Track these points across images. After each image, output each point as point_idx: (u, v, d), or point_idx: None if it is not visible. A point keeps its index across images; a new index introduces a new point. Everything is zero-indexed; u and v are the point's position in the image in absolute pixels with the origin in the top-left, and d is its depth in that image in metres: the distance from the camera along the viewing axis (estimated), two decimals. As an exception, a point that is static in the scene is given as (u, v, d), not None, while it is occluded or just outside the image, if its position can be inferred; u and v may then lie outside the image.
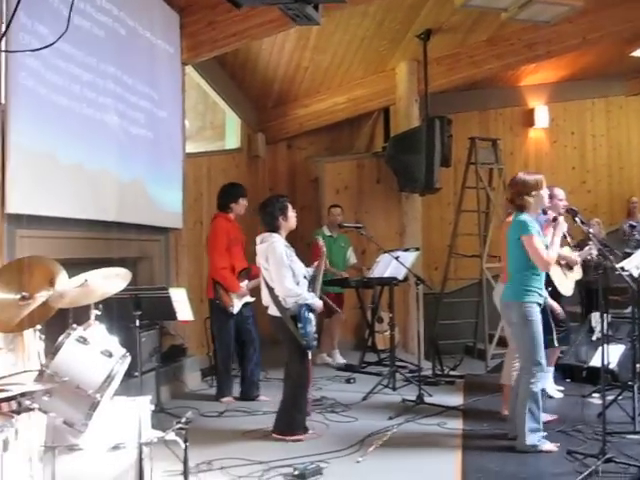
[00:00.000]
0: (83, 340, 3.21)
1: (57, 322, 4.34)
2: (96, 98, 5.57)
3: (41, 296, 3.87)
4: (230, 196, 6.51)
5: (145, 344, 5.81)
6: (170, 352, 6.81)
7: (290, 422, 5.12)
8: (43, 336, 4.09)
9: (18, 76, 4.58)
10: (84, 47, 5.37)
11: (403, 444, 4.98)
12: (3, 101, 4.50)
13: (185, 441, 3.20)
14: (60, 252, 4.92)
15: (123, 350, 3.39)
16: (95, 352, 3.19)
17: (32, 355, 4.22)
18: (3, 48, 4.43)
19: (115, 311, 5.32)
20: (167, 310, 5.40)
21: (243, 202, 6.52)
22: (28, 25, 4.65)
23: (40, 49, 3.62)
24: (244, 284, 6.34)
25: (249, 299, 6.41)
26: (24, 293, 3.86)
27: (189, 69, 7.71)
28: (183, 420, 3.24)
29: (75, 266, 4.25)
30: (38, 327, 4.03)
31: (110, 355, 3.19)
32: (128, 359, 3.40)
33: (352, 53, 8.84)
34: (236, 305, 6.28)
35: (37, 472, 2.98)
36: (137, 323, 5.26)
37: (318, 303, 5.19)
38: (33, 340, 4.13)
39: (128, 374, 4.69)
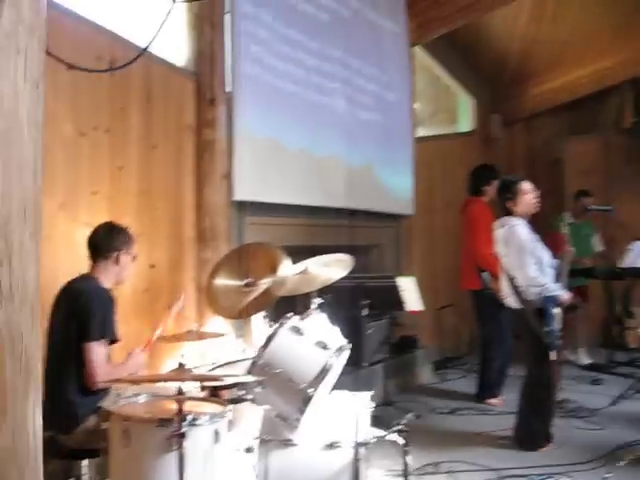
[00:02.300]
0: (297, 330, 3.06)
1: (286, 310, 4.30)
2: (323, 83, 5.52)
3: (264, 283, 3.84)
4: (482, 179, 6.04)
5: (373, 334, 5.64)
6: (400, 343, 6.62)
7: (528, 431, 4.61)
8: (272, 323, 4.06)
9: (243, 64, 4.62)
10: (308, 32, 5.35)
11: (662, 460, 4.32)
12: (229, 89, 4.55)
13: (405, 444, 2.94)
14: (287, 239, 4.92)
15: (341, 342, 3.19)
16: (309, 343, 3.02)
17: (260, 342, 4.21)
18: (228, 39, 4.49)
19: (342, 300, 5.24)
20: (394, 299, 5.21)
21: (496, 184, 6.01)
22: (251, 13, 4.67)
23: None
24: None
25: None
26: (249, 279, 3.85)
27: (417, 50, 7.44)
28: (404, 422, 2.98)
29: (302, 254, 4.17)
30: (265, 314, 4.02)
31: (325, 347, 3.00)
32: (346, 352, 3.20)
33: (594, 21, 8.00)
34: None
35: (251, 464, 2.88)
36: (364, 312, 5.12)
37: (566, 296, 4.57)
38: (262, 327, 4.12)
39: (356, 365, 4.56)
